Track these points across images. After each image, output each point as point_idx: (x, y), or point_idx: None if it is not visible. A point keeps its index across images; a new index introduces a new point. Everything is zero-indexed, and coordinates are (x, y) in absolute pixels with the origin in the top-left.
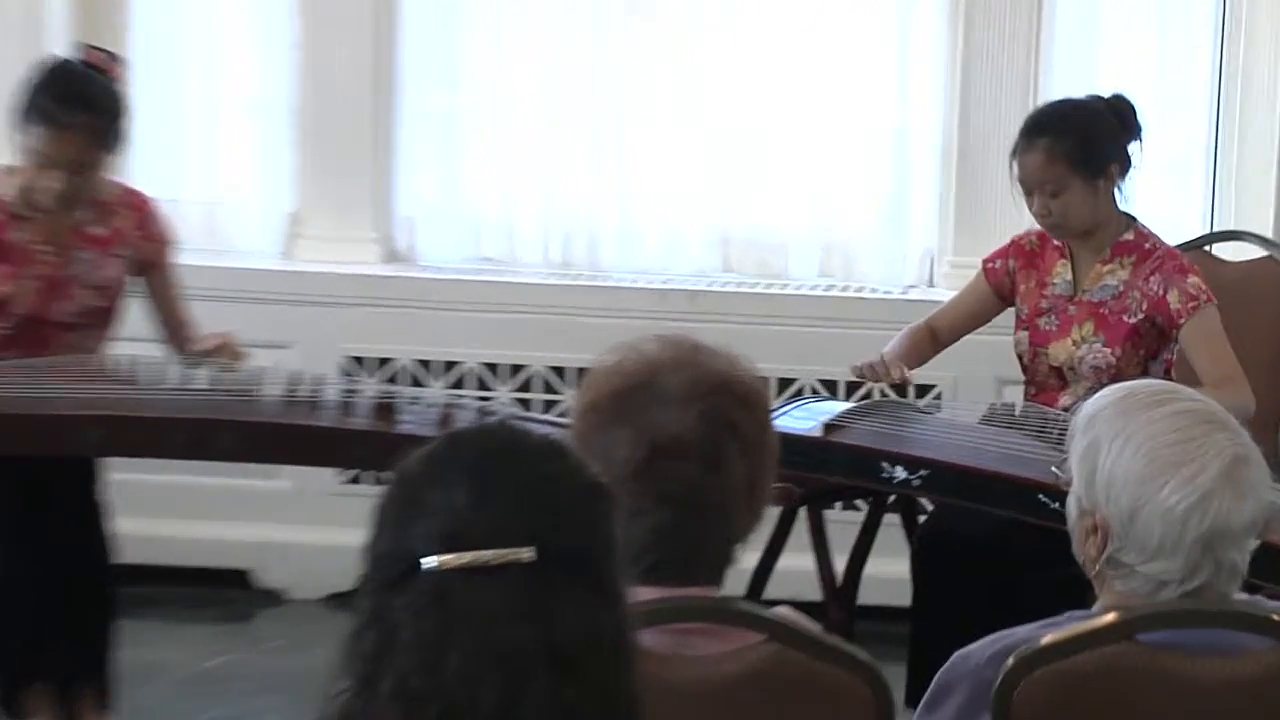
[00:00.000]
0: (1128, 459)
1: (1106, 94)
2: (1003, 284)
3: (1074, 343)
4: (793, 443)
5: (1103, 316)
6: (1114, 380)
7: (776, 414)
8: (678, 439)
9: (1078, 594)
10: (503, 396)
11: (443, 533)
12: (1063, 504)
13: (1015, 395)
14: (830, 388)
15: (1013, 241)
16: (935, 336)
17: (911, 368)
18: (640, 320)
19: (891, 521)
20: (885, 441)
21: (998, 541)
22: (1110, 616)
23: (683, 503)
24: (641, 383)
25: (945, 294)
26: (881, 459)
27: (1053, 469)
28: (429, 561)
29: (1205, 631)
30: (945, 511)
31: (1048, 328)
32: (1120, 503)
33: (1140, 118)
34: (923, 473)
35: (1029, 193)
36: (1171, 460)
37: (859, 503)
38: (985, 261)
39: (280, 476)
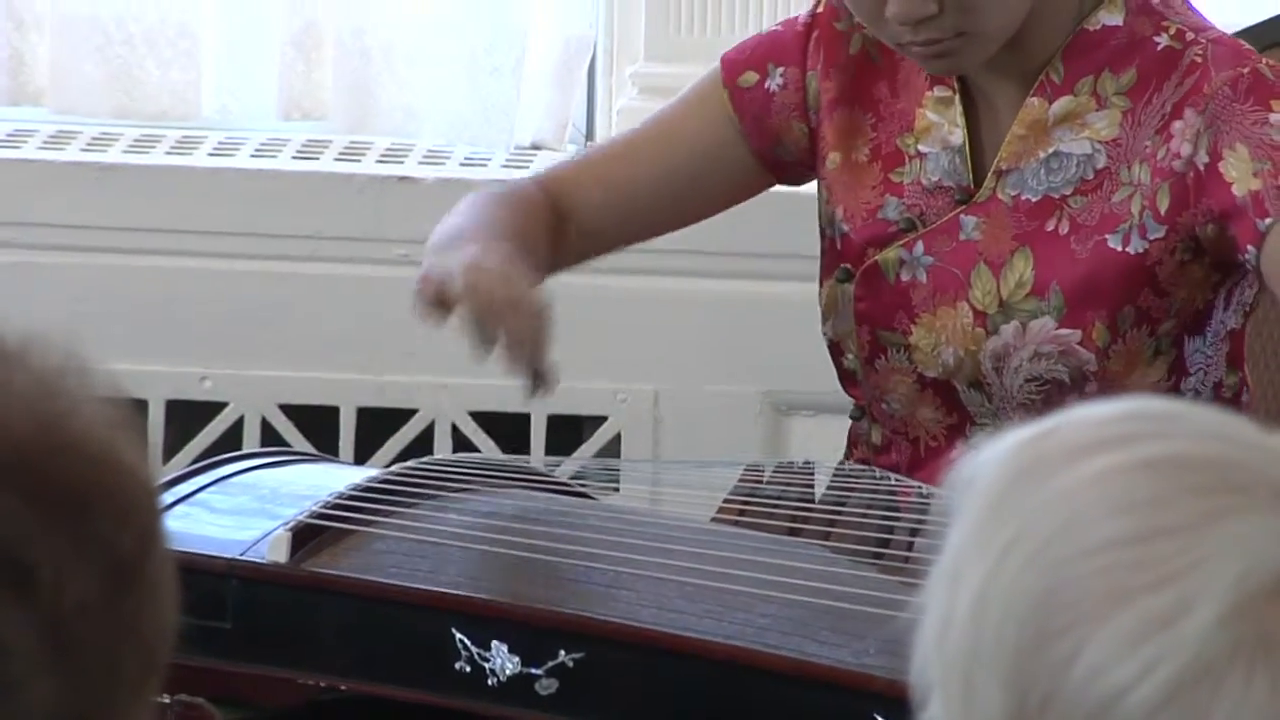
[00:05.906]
0: (1010, 580)
1: None
2: (775, 128)
3: (978, 319)
4: (208, 590)
5: (1052, 241)
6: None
7: (176, 505)
8: None
9: None
10: None
11: None
12: None
13: (818, 442)
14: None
15: (807, 22)
16: (565, 224)
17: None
18: None
19: None
20: (472, 572)
21: None
22: None
23: None
24: None
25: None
26: (457, 621)
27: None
28: None
29: None
30: None
31: (905, 278)
32: (994, 680)
33: None
34: (573, 656)
35: None
36: (1118, 584)
37: None
38: (727, 63)
39: None
